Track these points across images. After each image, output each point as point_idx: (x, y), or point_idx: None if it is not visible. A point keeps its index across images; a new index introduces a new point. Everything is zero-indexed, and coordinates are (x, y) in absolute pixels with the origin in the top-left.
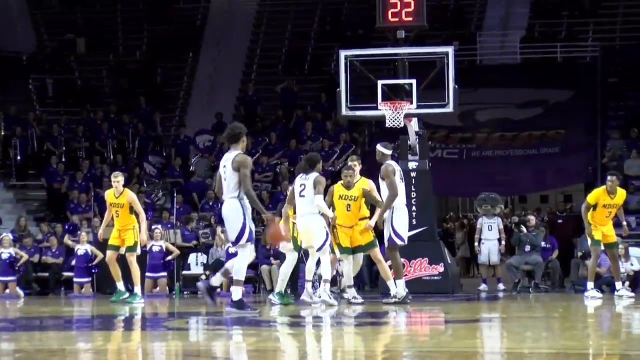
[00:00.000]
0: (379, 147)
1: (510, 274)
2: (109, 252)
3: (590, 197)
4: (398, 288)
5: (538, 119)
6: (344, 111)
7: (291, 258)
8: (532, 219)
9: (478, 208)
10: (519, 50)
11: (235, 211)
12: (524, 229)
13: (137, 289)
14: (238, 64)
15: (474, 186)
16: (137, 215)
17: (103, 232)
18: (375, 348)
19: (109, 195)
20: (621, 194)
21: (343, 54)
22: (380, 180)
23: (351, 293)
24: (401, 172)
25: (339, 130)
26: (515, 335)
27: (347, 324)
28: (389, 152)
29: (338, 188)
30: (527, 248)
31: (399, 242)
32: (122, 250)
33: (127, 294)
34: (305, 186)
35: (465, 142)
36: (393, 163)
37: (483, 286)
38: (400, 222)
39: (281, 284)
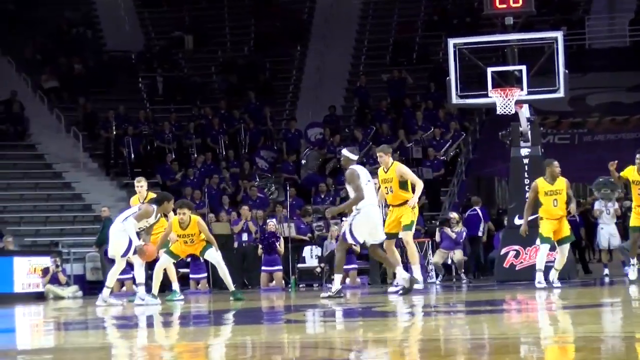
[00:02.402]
0: (344, 151)
1: (625, 258)
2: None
3: (624, 174)
4: (335, 283)
5: None
6: (454, 99)
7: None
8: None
9: (596, 192)
10: (628, 33)
11: None
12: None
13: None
14: (346, 56)
15: (587, 171)
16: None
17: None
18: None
19: (133, 202)
20: None
21: (452, 42)
22: (346, 184)
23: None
24: (368, 175)
25: (449, 119)
26: (635, 319)
27: (443, 312)
28: (355, 157)
29: None
30: None
31: (350, 241)
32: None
33: (179, 295)
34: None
35: (577, 127)
36: (358, 167)
37: (606, 271)
38: (361, 224)
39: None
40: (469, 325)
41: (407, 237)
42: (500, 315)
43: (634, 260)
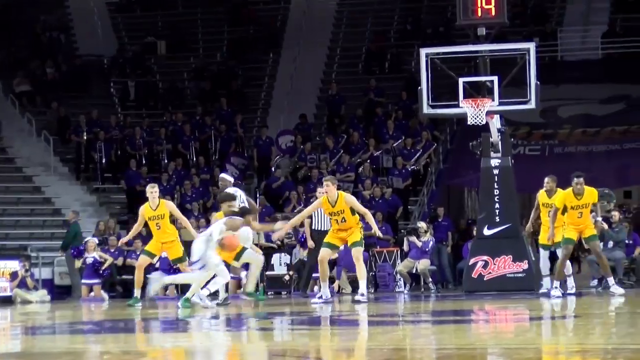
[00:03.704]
0: (222, 175)
1: (592, 271)
2: (143, 257)
3: (557, 200)
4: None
5: (620, 115)
6: (426, 109)
7: None
8: (616, 215)
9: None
10: (600, 45)
11: None
12: (605, 225)
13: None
14: (318, 64)
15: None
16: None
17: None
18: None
19: (145, 209)
20: (589, 193)
21: (424, 52)
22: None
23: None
24: (243, 196)
25: (420, 128)
26: (598, 331)
27: (426, 320)
28: (231, 179)
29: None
30: (610, 244)
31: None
32: (155, 260)
33: (140, 302)
34: None
35: (548, 139)
36: (233, 189)
37: (594, 282)
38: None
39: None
40: (434, 335)
41: (358, 253)
42: (468, 326)
43: (556, 283)
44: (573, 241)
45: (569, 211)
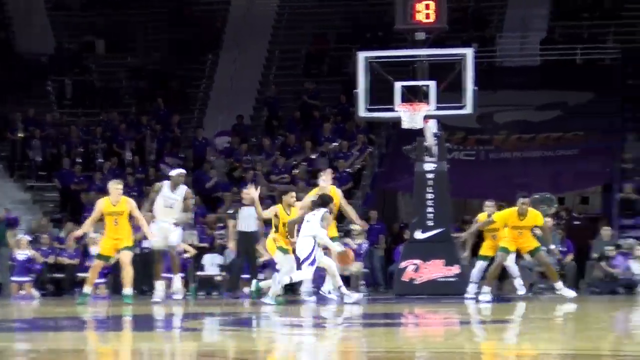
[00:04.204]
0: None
1: (525, 276)
2: (98, 262)
3: (498, 217)
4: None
5: (557, 122)
6: (362, 113)
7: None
8: (549, 221)
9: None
10: (539, 52)
11: None
12: (538, 231)
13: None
14: (257, 66)
15: (492, 189)
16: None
17: (81, 234)
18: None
19: (105, 203)
20: (533, 215)
21: (362, 55)
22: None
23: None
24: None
25: (357, 132)
26: (528, 337)
27: (357, 324)
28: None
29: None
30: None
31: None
32: (112, 261)
33: (88, 299)
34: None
35: (483, 144)
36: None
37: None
38: None
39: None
40: (365, 338)
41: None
42: (397, 329)
43: (486, 288)
44: (510, 252)
45: (509, 229)
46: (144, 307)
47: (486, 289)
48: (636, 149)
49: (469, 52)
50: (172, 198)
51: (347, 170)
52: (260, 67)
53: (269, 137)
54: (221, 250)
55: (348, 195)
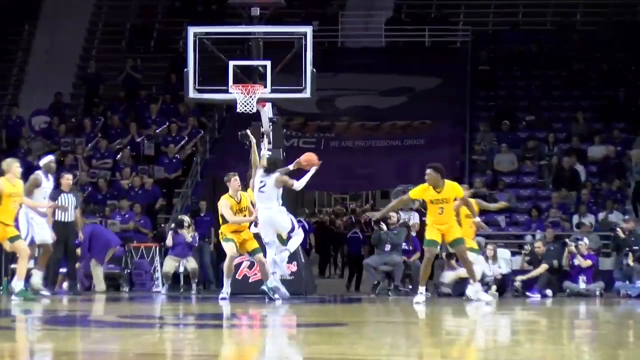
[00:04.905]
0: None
1: (369, 275)
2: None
3: (414, 193)
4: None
5: (403, 108)
6: (192, 93)
7: None
8: (394, 216)
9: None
10: (384, 32)
11: None
12: (384, 226)
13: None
14: (78, 39)
15: (333, 179)
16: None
17: None
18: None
19: (4, 183)
20: (450, 187)
21: (192, 30)
22: None
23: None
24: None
25: (187, 114)
26: (370, 341)
27: (183, 324)
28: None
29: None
30: (387, 247)
31: None
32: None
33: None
34: (265, 183)
35: (324, 131)
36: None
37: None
38: None
39: None
40: (189, 340)
41: None
42: (229, 331)
43: (422, 289)
44: (436, 243)
45: (429, 207)
46: None
47: (421, 289)
48: (487, 140)
49: (308, 31)
50: (49, 187)
51: (177, 156)
52: (82, 40)
53: (89, 118)
54: None
55: (177, 184)
